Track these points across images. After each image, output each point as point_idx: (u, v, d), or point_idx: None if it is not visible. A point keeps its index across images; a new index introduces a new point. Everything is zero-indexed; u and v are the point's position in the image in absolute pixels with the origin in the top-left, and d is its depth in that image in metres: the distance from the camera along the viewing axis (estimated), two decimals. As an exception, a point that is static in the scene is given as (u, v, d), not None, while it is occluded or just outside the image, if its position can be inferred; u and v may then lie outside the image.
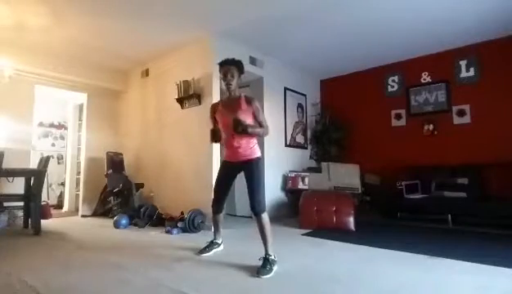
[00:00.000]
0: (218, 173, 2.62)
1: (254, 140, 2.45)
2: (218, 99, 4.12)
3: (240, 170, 2.45)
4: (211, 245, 2.64)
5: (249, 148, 2.40)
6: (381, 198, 4.68)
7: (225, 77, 2.40)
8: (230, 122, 2.27)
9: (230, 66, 2.43)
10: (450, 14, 3.68)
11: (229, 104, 2.44)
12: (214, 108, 2.55)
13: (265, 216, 2.26)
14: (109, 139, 5.45)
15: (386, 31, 4.10)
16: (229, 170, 2.51)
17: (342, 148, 5.44)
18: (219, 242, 2.69)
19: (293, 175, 4.94)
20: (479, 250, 2.74)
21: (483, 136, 4.32)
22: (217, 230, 2.69)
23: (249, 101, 2.40)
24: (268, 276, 2.05)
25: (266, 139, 4.79)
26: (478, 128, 4.40)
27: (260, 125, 2.43)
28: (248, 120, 2.33)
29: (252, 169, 2.35)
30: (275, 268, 2.14)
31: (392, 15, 3.71)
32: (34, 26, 3.85)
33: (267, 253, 2.20)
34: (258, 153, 2.44)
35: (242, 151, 2.38)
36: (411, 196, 4.25)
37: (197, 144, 4.13)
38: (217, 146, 3.90)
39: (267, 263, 2.14)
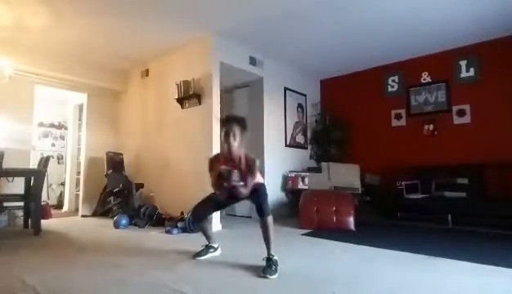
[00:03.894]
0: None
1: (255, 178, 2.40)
2: (218, 101, 4.13)
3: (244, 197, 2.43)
4: (206, 249, 2.58)
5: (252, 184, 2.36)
6: (381, 198, 4.68)
7: (226, 137, 2.28)
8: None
9: (231, 125, 2.30)
10: (450, 14, 3.69)
11: (230, 159, 2.33)
12: (214, 163, 2.40)
13: (270, 218, 2.26)
14: (109, 139, 5.45)
15: (386, 31, 4.10)
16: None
17: (342, 148, 5.44)
18: (215, 246, 2.63)
19: (293, 175, 4.94)
20: (479, 250, 2.74)
21: (483, 136, 4.32)
22: (207, 236, 2.62)
23: (249, 164, 2.31)
24: (275, 276, 2.05)
25: (266, 139, 4.80)
26: (478, 128, 4.40)
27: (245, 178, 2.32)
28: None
29: (257, 192, 2.32)
30: (278, 268, 2.14)
31: (392, 15, 3.71)
32: (34, 26, 3.85)
33: (270, 254, 2.21)
34: (260, 181, 2.43)
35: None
36: (411, 196, 4.26)
37: (197, 144, 4.13)
38: (217, 145, 3.90)
39: (271, 263, 2.14)
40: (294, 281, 2.00)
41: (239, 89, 5.26)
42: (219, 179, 2.29)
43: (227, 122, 2.36)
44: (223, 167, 2.30)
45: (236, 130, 2.29)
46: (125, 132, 5.54)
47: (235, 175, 2.25)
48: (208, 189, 2.54)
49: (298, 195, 4.29)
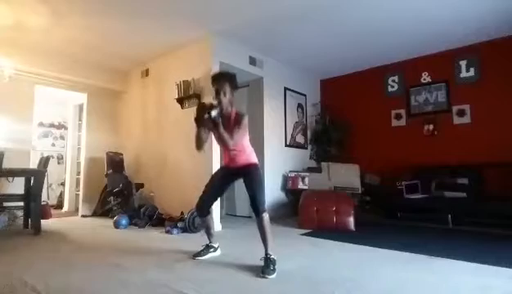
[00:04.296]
0: (214, 174, 2.62)
1: (248, 149, 2.44)
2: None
3: (237, 175, 2.46)
4: (207, 249, 2.59)
5: (245, 154, 2.41)
6: (381, 198, 4.68)
7: (217, 95, 2.32)
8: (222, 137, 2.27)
9: (222, 82, 2.34)
10: (450, 14, 3.69)
11: (221, 117, 2.34)
12: (204, 110, 2.35)
13: (266, 216, 2.26)
14: (109, 139, 5.45)
15: (386, 31, 4.10)
16: (226, 173, 2.51)
17: (342, 148, 5.45)
18: (215, 246, 2.63)
19: (293, 175, 4.94)
20: (479, 250, 2.74)
21: (483, 136, 4.32)
22: (209, 234, 2.62)
23: (238, 119, 2.32)
24: (273, 276, 2.05)
25: (266, 139, 4.80)
26: (478, 128, 4.40)
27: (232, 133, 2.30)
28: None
29: (250, 173, 2.36)
30: (277, 267, 2.14)
31: (392, 15, 3.71)
32: (34, 26, 3.85)
33: (267, 253, 2.21)
34: (254, 160, 2.45)
35: (238, 157, 2.40)
36: (411, 196, 4.25)
37: (197, 144, 4.13)
38: (216, 145, 3.90)
39: (269, 263, 2.15)
40: (294, 281, 2.00)
41: (239, 89, 5.24)
42: (201, 110, 2.26)
43: (218, 79, 2.38)
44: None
45: (227, 87, 2.33)
46: (125, 132, 5.54)
47: (215, 111, 2.24)
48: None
49: (298, 195, 4.29)
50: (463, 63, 4.58)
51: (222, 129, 2.24)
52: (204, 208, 2.52)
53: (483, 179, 4.12)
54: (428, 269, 2.21)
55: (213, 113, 2.22)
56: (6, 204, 4.00)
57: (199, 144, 2.36)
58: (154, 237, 3.46)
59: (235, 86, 2.40)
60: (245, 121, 2.32)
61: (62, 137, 6.91)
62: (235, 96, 2.43)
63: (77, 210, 5.54)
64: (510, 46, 4.23)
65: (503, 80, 4.27)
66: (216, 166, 3.83)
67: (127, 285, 1.92)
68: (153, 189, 4.75)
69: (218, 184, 2.55)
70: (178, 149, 4.44)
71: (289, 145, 5.27)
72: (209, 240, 2.63)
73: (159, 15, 3.63)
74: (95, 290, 1.86)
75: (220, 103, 2.31)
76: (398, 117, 5.15)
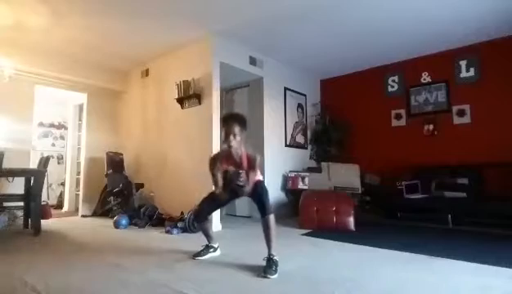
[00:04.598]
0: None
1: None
2: (218, 99, 4.13)
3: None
4: (206, 249, 2.59)
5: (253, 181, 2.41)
6: (381, 198, 4.68)
7: (227, 136, 2.31)
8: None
9: (231, 124, 2.32)
10: (450, 14, 3.69)
11: (231, 158, 2.37)
12: (215, 162, 2.43)
13: (272, 218, 2.27)
14: (109, 139, 5.45)
15: (386, 31, 4.10)
16: (230, 190, 2.48)
17: (342, 148, 5.44)
18: (215, 246, 2.63)
19: (293, 175, 4.94)
20: (479, 250, 2.74)
21: (483, 136, 4.32)
22: (208, 236, 2.62)
23: (252, 163, 2.35)
24: (275, 276, 2.06)
25: (266, 139, 4.80)
26: (478, 128, 4.40)
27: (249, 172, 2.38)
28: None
29: (257, 190, 2.36)
30: (278, 268, 2.14)
31: (392, 15, 3.71)
32: (34, 26, 3.85)
33: (270, 254, 2.21)
34: (259, 177, 2.46)
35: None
36: (411, 196, 4.25)
37: (197, 143, 4.13)
38: (216, 145, 3.90)
39: (272, 263, 2.15)
40: (295, 281, 2.00)
41: (239, 89, 5.26)
42: (225, 180, 2.35)
43: (227, 121, 2.38)
44: (231, 168, 2.37)
45: (236, 129, 2.32)
46: (125, 132, 5.54)
47: (242, 176, 2.30)
48: (209, 188, 2.54)
49: (298, 195, 4.29)
50: (463, 63, 4.58)
51: (245, 190, 2.33)
52: (201, 216, 2.55)
53: (483, 179, 4.12)
54: (428, 269, 2.21)
55: (242, 181, 2.32)
56: (6, 204, 4.00)
57: (218, 185, 2.45)
58: (154, 237, 3.46)
59: (244, 126, 2.38)
60: (258, 162, 2.36)
61: (62, 137, 6.91)
62: (243, 137, 2.39)
63: (77, 210, 5.54)
64: (510, 46, 4.23)
65: (503, 80, 4.27)
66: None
67: (127, 285, 1.92)
68: (153, 189, 4.75)
69: (223, 199, 2.53)
70: (178, 149, 4.44)
71: (289, 145, 5.27)
72: (208, 241, 2.63)
73: (159, 15, 3.63)
74: (95, 290, 1.86)
75: (230, 145, 2.32)
76: (398, 117, 5.15)
